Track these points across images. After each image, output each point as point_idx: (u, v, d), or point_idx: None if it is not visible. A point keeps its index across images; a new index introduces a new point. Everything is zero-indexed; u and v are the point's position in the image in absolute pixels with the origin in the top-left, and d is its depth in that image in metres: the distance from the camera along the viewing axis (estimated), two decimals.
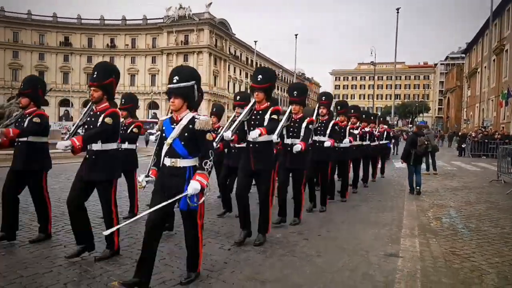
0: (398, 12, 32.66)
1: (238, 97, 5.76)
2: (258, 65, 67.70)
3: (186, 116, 3.09)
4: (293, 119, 5.12)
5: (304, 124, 5.10)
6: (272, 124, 4.28)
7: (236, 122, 4.34)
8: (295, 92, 5.12)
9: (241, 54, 68.15)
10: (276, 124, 4.36)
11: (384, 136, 10.97)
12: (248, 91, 5.42)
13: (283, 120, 4.78)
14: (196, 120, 3.04)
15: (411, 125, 40.06)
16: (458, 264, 3.88)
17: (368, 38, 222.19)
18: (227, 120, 5.67)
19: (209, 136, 3.04)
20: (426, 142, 8.95)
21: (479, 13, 76.88)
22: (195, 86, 3.12)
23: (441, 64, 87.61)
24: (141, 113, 53.12)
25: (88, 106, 4.13)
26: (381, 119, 11.97)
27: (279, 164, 5.21)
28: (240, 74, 67.59)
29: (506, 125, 29.63)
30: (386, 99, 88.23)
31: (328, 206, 6.48)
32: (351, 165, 8.06)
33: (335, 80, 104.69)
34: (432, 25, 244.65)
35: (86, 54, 59.87)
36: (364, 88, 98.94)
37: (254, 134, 4.07)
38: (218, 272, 3.50)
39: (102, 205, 3.77)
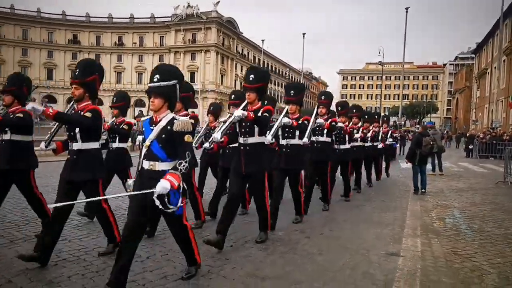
0: (407, 12, 32.42)
1: (233, 96, 5.70)
2: (266, 64, 68.00)
3: (166, 117, 2.97)
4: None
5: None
6: (263, 117, 4.11)
7: (226, 124, 4.18)
8: (292, 91, 5.04)
9: (248, 53, 68.15)
10: (266, 118, 4.17)
11: (388, 136, 10.82)
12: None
13: (278, 120, 4.72)
14: (175, 121, 2.91)
15: (418, 126, 39.78)
16: (459, 264, 3.88)
17: (376, 37, 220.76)
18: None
19: (187, 138, 2.92)
20: (431, 143, 8.92)
21: (490, 13, 76.36)
22: (177, 86, 3.01)
23: (450, 64, 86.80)
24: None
25: (70, 105, 4.04)
26: (384, 118, 11.67)
27: (274, 166, 5.12)
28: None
29: None
30: (394, 99, 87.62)
31: (331, 205, 6.50)
32: (353, 166, 8.00)
33: (343, 79, 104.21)
34: (442, 25, 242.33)
35: (94, 52, 60.26)
36: (372, 88, 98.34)
37: (238, 112, 3.94)
38: (219, 268, 3.55)
39: (90, 207, 3.60)
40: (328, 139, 6.04)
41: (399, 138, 19.07)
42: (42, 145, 3.86)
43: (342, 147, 6.99)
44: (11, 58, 57.23)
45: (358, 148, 7.90)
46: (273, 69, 72.38)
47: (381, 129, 10.26)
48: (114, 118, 5.21)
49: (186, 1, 58.03)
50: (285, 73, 75.57)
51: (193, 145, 5.27)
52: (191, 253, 3.24)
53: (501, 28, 28.91)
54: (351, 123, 7.82)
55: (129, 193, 2.88)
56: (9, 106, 4.01)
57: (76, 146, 3.49)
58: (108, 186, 4.82)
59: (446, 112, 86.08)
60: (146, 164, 2.95)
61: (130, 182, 3.01)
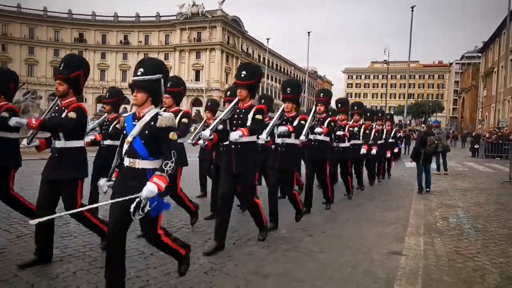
0: (412, 10, 32.20)
1: (228, 93, 5.65)
2: (271, 63, 67.98)
3: (150, 112, 2.83)
4: (285, 118, 4.93)
5: (295, 123, 4.89)
6: (256, 125, 4.02)
7: (216, 121, 4.06)
8: (288, 89, 4.91)
9: (253, 52, 68.11)
10: (260, 125, 4.08)
11: (391, 135, 10.47)
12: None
13: (274, 118, 4.66)
14: (159, 117, 2.76)
15: (423, 125, 39.59)
16: (461, 263, 3.88)
17: (381, 36, 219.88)
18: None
19: (172, 135, 2.76)
20: (436, 142, 8.90)
21: (496, 12, 75.69)
22: (162, 80, 2.87)
23: (456, 63, 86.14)
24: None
25: (54, 101, 3.86)
26: (388, 116, 11.33)
27: (269, 165, 5.05)
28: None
29: None
30: (399, 98, 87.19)
31: (334, 204, 6.51)
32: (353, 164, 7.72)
33: (348, 78, 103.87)
34: (448, 24, 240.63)
35: (100, 50, 60.61)
36: (377, 87, 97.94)
37: (234, 136, 3.84)
38: (221, 265, 3.58)
39: (65, 207, 3.44)
40: (326, 138, 5.90)
41: (403, 137, 18.96)
42: (24, 141, 3.79)
43: (341, 145, 6.81)
44: (18, 57, 57.70)
45: (359, 147, 7.62)
46: (278, 68, 72.29)
47: (384, 127, 10.05)
48: (106, 114, 5.09)
49: (191, 0, 58.13)
50: (290, 72, 75.45)
51: (190, 141, 5.22)
52: (174, 253, 3.07)
53: (508, 26, 28.64)
54: (352, 120, 7.65)
55: (114, 200, 2.67)
56: None
57: (59, 144, 3.39)
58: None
59: (452, 112, 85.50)
60: (127, 161, 2.81)
61: (102, 182, 2.92)
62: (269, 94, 34.96)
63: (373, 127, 8.94)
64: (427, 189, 8.52)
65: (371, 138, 8.37)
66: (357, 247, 4.31)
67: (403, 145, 19.27)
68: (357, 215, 6.01)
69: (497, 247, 4.50)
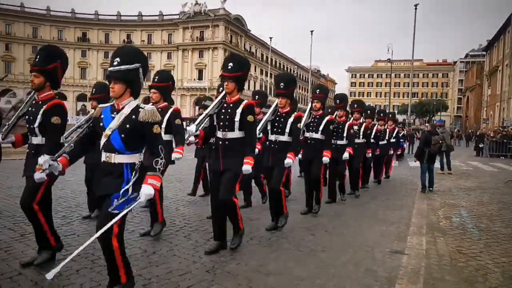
0: (416, 9, 32.06)
1: (221, 89, 5.67)
2: (274, 62, 67.91)
3: (129, 104, 2.68)
4: (279, 113, 4.73)
5: (290, 120, 4.65)
6: (252, 135, 3.85)
7: (202, 115, 3.89)
8: (282, 84, 4.69)
9: (256, 51, 68.02)
10: (255, 129, 3.92)
11: (393, 134, 10.15)
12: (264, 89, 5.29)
13: (267, 114, 4.56)
14: (140, 110, 2.63)
15: (427, 124, 39.38)
16: (464, 263, 3.87)
17: (385, 35, 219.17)
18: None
19: (156, 129, 2.65)
20: (440, 141, 8.89)
21: (501, 10, 75.04)
22: (140, 70, 2.71)
23: (460, 62, 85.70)
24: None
25: (30, 95, 3.62)
26: (390, 115, 11.01)
27: (264, 164, 4.83)
28: (255, 71, 67.48)
29: None
30: (403, 97, 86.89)
31: (337, 204, 6.50)
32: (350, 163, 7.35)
33: (351, 77, 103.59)
34: (452, 22, 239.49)
35: (103, 49, 60.74)
36: (381, 86, 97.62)
37: (246, 169, 3.70)
38: (223, 263, 3.59)
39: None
40: (323, 137, 5.61)
41: (406, 136, 18.86)
42: None
43: (339, 142, 6.52)
44: (21, 56, 57.93)
45: (359, 145, 7.39)
46: (281, 67, 72.21)
47: (386, 127, 9.81)
48: (93, 110, 5.10)
49: None
50: (293, 71, 75.33)
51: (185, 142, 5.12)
52: (115, 270, 2.70)
53: None
54: (351, 118, 7.42)
55: (127, 210, 2.58)
56: None
57: (36, 140, 3.27)
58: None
59: (457, 111, 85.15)
60: (103, 156, 2.68)
61: (43, 159, 2.79)
62: (270, 93, 34.80)
63: (374, 125, 8.74)
64: (430, 188, 8.51)
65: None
66: (359, 245, 4.31)
67: (406, 144, 19.20)
68: (360, 214, 6.00)
69: (500, 246, 4.49)
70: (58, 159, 2.87)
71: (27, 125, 3.32)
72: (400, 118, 34.53)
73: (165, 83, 4.55)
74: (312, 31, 44.99)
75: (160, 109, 4.30)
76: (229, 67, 3.80)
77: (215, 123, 3.93)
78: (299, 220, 5.30)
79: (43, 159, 2.83)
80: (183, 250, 3.88)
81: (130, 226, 4.65)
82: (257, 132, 4.27)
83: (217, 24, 57.10)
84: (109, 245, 2.61)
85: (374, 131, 8.41)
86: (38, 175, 2.85)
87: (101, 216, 2.67)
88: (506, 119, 29.87)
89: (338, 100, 6.77)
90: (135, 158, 2.68)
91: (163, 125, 4.39)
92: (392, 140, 10.01)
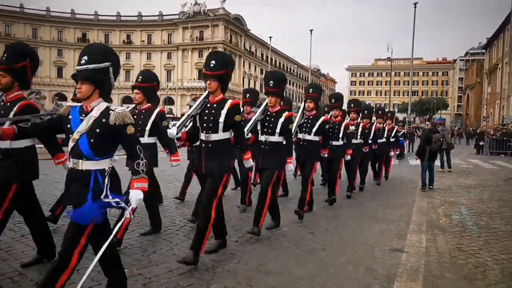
0: (415, 7, 32.02)
1: (247, 95, 5.73)
2: (274, 61, 67.93)
3: (98, 106, 2.49)
4: (269, 113, 4.55)
5: (281, 120, 4.46)
6: (242, 134, 3.76)
7: (184, 117, 3.68)
8: (271, 82, 4.49)
9: (256, 50, 68.04)
10: (243, 129, 3.80)
11: (393, 134, 9.88)
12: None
13: (257, 114, 4.46)
14: (111, 112, 2.45)
15: (427, 122, 39.43)
16: (463, 260, 3.88)
17: (384, 35, 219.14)
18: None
19: (130, 130, 2.49)
20: (441, 139, 8.90)
21: (500, 8, 74.91)
22: (110, 70, 2.52)
23: (460, 60, 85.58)
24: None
25: None
26: (389, 114, 10.64)
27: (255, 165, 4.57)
28: (255, 70, 67.54)
29: None
30: (403, 95, 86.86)
31: (338, 202, 6.49)
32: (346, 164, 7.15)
33: (351, 76, 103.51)
34: (452, 21, 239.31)
35: None
36: (381, 84, 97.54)
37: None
38: (223, 262, 3.60)
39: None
40: (316, 138, 5.43)
41: (407, 134, 18.84)
42: None
43: (334, 143, 6.27)
44: None
45: (356, 146, 7.17)
46: (281, 66, 72.22)
47: (385, 125, 9.58)
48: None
49: None
50: (293, 70, 75.35)
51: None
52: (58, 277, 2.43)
53: (511, 22, 28.44)
54: (348, 118, 7.23)
55: (119, 224, 2.63)
56: None
57: (4, 144, 3.06)
58: None
59: (457, 109, 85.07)
60: (71, 162, 2.48)
61: None
62: None
63: (373, 125, 8.54)
64: (430, 186, 8.51)
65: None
66: (358, 244, 4.32)
67: (406, 143, 19.19)
68: (360, 213, 6.01)
69: (499, 243, 4.49)
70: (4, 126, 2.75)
71: None
72: (400, 116, 34.53)
73: (149, 84, 4.34)
74: (311, 30, 44.96)
75: (143, 111, 4.24)
76: (212, 65, 3.56)
77: (198, 124, 3.72)
78: (299, 219, 5.30)
79: None
80: (183, 250, 3.89)
81: (130, 225, 4.65)
82: (246, 132, 4.18)
83: (217, 24, 57.11)
84: (69, 255, 2.43)
85: (372, 131, 8.24)
86: None
87: (72, 229, 2.44)
88: (506, 117, 29.78)
89: (333, 100, 6.55)
90: (105, 164, 2.49)
91: (148, 127, 4.22)
92: (392, 139, 9.86)
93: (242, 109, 5.86)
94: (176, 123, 3.67)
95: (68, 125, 2.50)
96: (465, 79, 72.56)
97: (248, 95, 5.99)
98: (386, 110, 11.77)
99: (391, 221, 5.50)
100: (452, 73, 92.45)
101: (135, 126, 3.97)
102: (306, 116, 5.47)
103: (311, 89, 5.58)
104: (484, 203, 7.11)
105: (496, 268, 3.66)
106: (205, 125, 3.62)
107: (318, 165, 5.97)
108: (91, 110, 2.48)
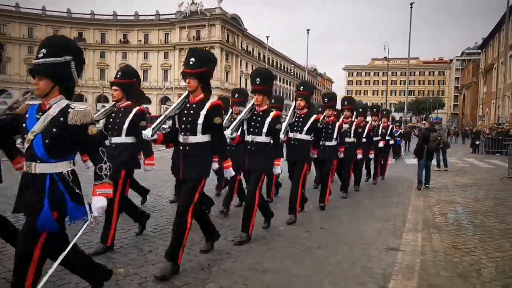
0: (411, 7, 32.13)
1: (236, 95, 5.61)
2: (271, 61, 67.98)
3: (57, 104, 2.28)
4: (255, 112, 4.35)
5: (268, 119, 4.24)
6: (222, 139, 3.54)
7: (161, 118, 3.49)
8: (258, 79, 4.27)
9: (253, 50, 68.02)
10: (223, 133, 3.57)
11: (388, 132, 9.83)
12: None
13: (242, 113, 4.31)
14: (70, 110, 2.25)
15: (424, 122, 39.54)
16: (458, 258, 3.90)
17: (382, 35, 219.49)
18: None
19: (91, 130, 2.30)
20: (438, 138, 8.95)
21: (496, 8, 75.34)
22: (72, 64, 2.32)
23: (456, 59, 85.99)
24: (154, 108, 53.61)
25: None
26: (384, 112, 10.41)
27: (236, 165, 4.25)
28: (252, 70, 67.66)
29: None
30: (400, 95, 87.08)
31: (334, 201, 6.51)
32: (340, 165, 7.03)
33: (348, 75, 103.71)
34: (448, 20, 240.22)
35: (100, 49, 60.58)
36: (378, 84, 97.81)
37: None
38: (219, 262, 3.60)
39: None
40: (307, 137, 5.24)
41: (402, 133, 18.87)
42: None
43: (327, 143, 6.05)
44: (17, 56, 57.68)
45: (349, 145, 6.93)
46: (278, 66, 72.26)
47: (380, 123, 9.55)
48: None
49: None
50: (290, 70, 75.37)
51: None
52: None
53: (507, 22, 28.59)
54: (341, 117, 7.08)
55: (80, 233, 2.36)
56: None
57: None
58: None
59: (453, 108, 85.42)
60: (25, 165, 2.31)
61: None
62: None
63: (367, 124, 8.32)
64: (427, 185, 8.55)
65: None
66: (354, 243, 4.33)
67: (403, 142, 19.23)
68: (356, 212, 6.02)
69: (494, 242, 4.52)
70: None
71: None
72: (397, 116, 34.60)
73: (128, 80, 4.08)
74: (308, 30, 44.96)
75: (122, 109, 4.02)
76: (191, 63, 3.34)
77: (177, 125, 3.50)
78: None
79: None
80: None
81: (125, 225, 4.65)
82: (230, 132, 4.07)
83: (214, 24, 57.06)
84: (27, 263, 2.26)
85: (366, 130, 8.02)
86: None
87: (25, 235, 2.26)
88: (501, 116, 29.96)
89: (326, 99, 6.32)
90: (63, 167, 2.29)
91: (125, 126, 3.93)
92: (388, 138, 9.80)
93: (230, 110, 5.78)
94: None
95: (24, 124, 2.31)
96: (461, 78, 72.86)
97: (237, 95, 5.73)
98: (380, 107, 11.61)
99: (387, 219, 5.51)
100: (448, 73, 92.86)
101: (112, 125, 3.97)
102: (297, 115, 5.29)
103: (302, 87, 5.41)
104: (480, 201, 7.15)
105: (490, 266, 3.68)
106: (183, 126, 3.41)
107: (312, 166, 5.90)
108: (49, 108, 2.28)
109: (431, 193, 7.94)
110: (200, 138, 3.37)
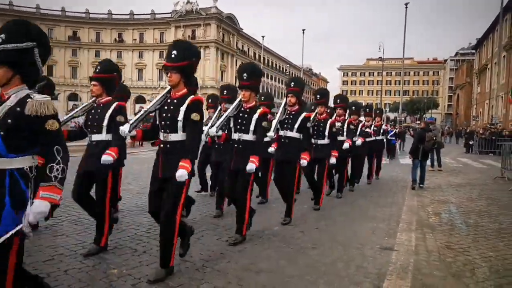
0: (406, 8, 32.29)
1: (225, 91, 5.54)
2: (266, 60, 68.03)
3: (17, 94, 2.10)
4: (242, 109, 4.21)
5: (255, 116, 4.11)
6: (194, 133, 3.16)
7: (140, 113, 3.37)
8: (245, 74, 4.12)
9: (248, 49, 67.97)
10: (199, 131, 3.25)
11: (381, 131, 9.80)
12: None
13: (229, 110, 4.16)
14: (28, 100, 2.06)
15: (418, 122, 39.75)
16: (452, 258, 3.92)
17: (377, 35, 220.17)
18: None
19: (50, 125, 2.08)
20: (434, 138, 9.01)
21: (490, 9, 75.88)
22: (36, 51, 2.13)
23: (451, 60, 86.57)
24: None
25: None
26: (377, 111, 10.33)
27: (223, 165, 4.23)
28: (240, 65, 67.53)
29: None
30: (394, 95, 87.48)
31: (328, 201, 6.51)
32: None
33: (343, 75, 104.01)
34: (442, 21, 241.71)
35: (94, 48, 60.24)
36: (373, 84, 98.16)
37: (180, 174, 2.95)
38: (214, 262, 3.59)
39: None
40: (298, 135, 5.07)
41: (397, 133, 18.94)
42: None
43: (320, 142, 5.93)
44: None
45: (342, 144, 6.70)
46: (274, 65, 72.32)
47: (373, 122, 9.51)
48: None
49: None
50: (285, 69, 75.45)
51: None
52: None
53: (501, 23, 28.83)
54: (334, 115, 6.96)
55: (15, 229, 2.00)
56: None
57: None
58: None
59: (447, 108, 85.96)
60: None
61: None
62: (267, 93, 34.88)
63: (360, 122, 8.17)
64: (421, 185, 8.59)
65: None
66: (349, 242, 4.34)
67: (398, 142, 19.30)
68: (350, 212, 6.03)
69: (487, 241, 4.55)
70: None
71: None
72: (391, 116, 34.78)
73: (108, 74, 3.91)
74: (303, 30, 45.10)
75: (101, 104, 3.87)
76: (173, 56, 3.17)
77: (157, 122, 3.33)
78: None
79: None
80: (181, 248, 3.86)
81: (121, 225, 4.63)
82: (216, 129, 3.92)
83: (209, 23, 56.94)
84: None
85: (359, 128, 7.87)
86: None
87: None
88: (495, 116, 30.22)
89: (318, 96, 6.14)
90: (24, 163, 2.10)
91: (105, 123, 3.77)
92: (381, 137, 9.85)
93: (219, 107, 5.63)
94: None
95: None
96: (455, 79, 73.35)
97: (225, 91, 5.57)
98: (373, 107, 11.56)
99: (381, 219, 5.53)
100: (442, 73, 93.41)
101: (92, 122, 3.82)
102: (288, 112, 5.11)
103: (292, 83, 5.20)
104: (473, 201, 7.19)
105: (484, 266, 3.70)
106: (163, 123, 3.24)
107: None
108: (8, 98, 2.09)
109: (425, 193, 7.98)
110: (181, 136, 3.18)
